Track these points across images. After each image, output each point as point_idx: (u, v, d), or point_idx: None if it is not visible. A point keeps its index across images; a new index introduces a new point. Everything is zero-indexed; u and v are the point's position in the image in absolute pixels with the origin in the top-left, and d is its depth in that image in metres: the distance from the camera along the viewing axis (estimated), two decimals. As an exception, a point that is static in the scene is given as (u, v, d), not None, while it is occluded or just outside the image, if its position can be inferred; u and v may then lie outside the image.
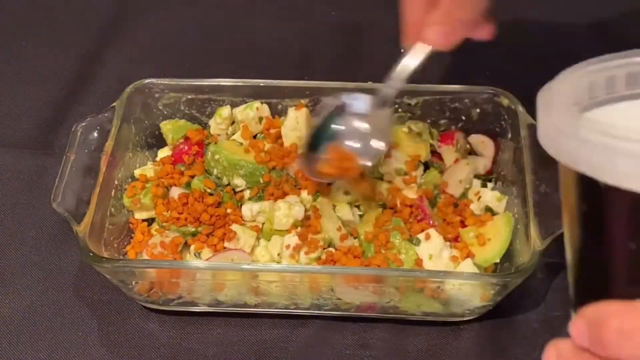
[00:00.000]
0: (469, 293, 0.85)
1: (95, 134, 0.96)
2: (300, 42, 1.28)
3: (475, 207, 0.95)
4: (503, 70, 1.21)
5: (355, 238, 0.93)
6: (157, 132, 1.05)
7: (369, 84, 1.02)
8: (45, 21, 1.31)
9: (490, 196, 0.95)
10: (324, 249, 0.90)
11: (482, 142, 1.02)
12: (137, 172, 1.00)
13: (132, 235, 0.96)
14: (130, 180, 0.99)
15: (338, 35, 1.29)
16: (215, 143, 0.98)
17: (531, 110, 0.96)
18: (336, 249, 0.90)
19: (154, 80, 1.02)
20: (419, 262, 0.88)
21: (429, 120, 1.03)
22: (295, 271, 0.85)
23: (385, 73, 1.16)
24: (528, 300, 0.93)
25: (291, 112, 1.00)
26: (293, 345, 0.91)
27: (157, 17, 1.32)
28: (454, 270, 0.88)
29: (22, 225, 1.01)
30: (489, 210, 0.94)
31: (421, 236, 0.89)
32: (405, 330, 0.91)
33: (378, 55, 1.25)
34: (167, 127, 1.04)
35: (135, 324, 0.93)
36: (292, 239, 0.90)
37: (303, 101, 1.02)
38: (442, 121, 1.03)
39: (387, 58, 1.23)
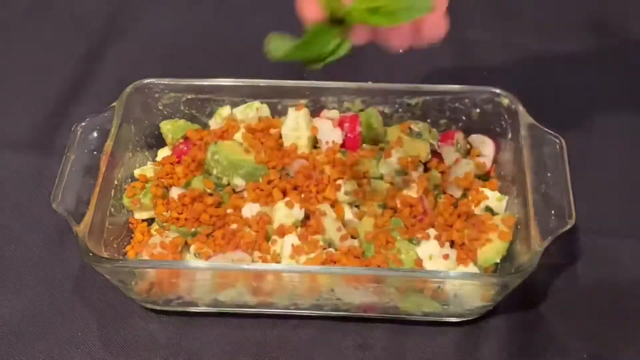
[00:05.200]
0: (469, 293, 0.85)
1: (95, 134, 0.96)
2: None
3: (475, 207, 0.95)
4: (502, 70, 1.22)
5: (355, 238, 0.92)
6: (157, 132, 1.05)
7: (369, 84, 1.02)
8: (45, 21, 1.30)
9: (491, 196, 0.95)
10: (324, 249, 0.90)
11: (482, 142, 1.02)
12: (136, 172, 1.00)
13: (132, 235, 0.96)
14: (130, 180, 0.99)
15: None
16: (215, 143, 0.98)
17: (531, 110, 0.97)
18: (336, 250, 0.90)
19: (153, 80, 1.02)
20: (418, 262, 0.88)
21: (429, 120, 1.03)
22: (295, 271, 0.85)
23: (385, 72, 1.17)
24: (528, 300, 0.93)
25: (291, 112, 1.00)
26: (293, 345, 0.91)
27: (157, 17, 1.32)
28: (454, 270, 0.88)
29: (21, 225, 1.01)
30: (489, 210, 0.94)
31: (421, 236, 0.89)
32: (405, 330, 0.91)
33: (377, 54, 1.25)
34: (167, 127, 1.03)
35: (135, 324, 0.93)
36: (292, 240, 0.89)
37: (303, 101, 1.02)
38: (442, 121, 1.03)
39: (387, 57, 1.24)
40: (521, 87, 1.11)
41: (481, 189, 0.96)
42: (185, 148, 1.01)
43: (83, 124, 0.97)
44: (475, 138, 1.02)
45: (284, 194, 0.95)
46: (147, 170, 1.00)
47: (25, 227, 1.01)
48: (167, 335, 0.92)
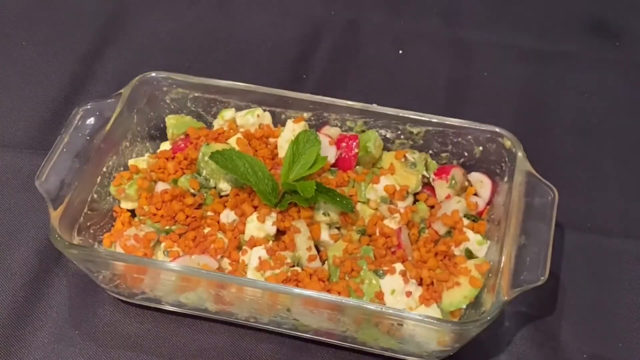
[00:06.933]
0: (424, 335, 0.82)
1: (93, 120, 0.97)
2: (299, 40, 1.27)
3: (456, 247, 0.92)
4: (502, 71, 1.22)
5: (325, 260, 0.91)
6: (163, 125, 1.05)
7: (373, 106, 1.00)
8: (45, 22, 1.31)
9: (472, 239, 0.91)
10: (292, 266, 0.89)
11: (481, 182, 0.98)
12: (130, 162, 1.00)
13: (114, 223, 0.97)
14: (122, 168, 1.00)
15: (337, 33, 1.28)
16: (207, 144, 0.98)
17: (517, 131, 0.94)
18: (302, 269, 0.89)
19: (162, 73, 1.02)
20: (379, 295, 0.85)
21: (431, 151, 1.00)
22: (247, 285, 0.83)
23: (384, 71, 1.16)
24: (492, 348, 0.90)
25: (289, 124, 0.99)
26: (252, 358, 0.90)
27: (157, 17, 1.31)
28: (413, 309, 0.85)
29: (21, 225, 1.02)
30: (468, 253, 0.91)
31: (387, 269, 0.87)
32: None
33: (376, 52, 1.24)
34: (171, 122, 1.03)
35: (102, 312, 0.94)
36: (260, 253, 0.88)
37: (305, 114, 1.01)
38: (444, 154, 1.00)
39: (386, 56, 1.24)
40: (520, 88, 1.10)
41: (465, 230, 0.92)
42: (183, 145, 1.01)
43: (85, 107, 0.97)
44: (474, 176, 0.99)
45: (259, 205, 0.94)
46: (141, 161, 1.00)
47: (24, 226, 1.02)
48: (134, 328, 0.92)
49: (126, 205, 0.98)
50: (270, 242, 0.90)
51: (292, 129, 0.98)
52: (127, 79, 1.02)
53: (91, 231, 0.94)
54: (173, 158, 1.00)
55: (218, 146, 0.97)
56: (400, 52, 1.24)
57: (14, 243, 1.00)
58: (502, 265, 0.83)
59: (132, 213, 0.97)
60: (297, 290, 0.81)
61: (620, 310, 0.94)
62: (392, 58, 1.22)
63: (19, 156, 1.09)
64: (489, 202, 0.97)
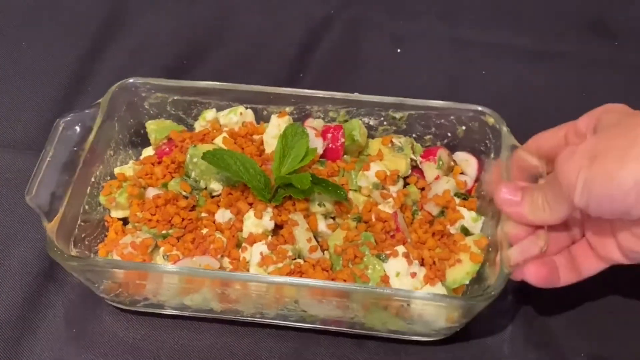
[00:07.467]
0: (433, 314, 0.84)
1: (77, 130, 0.96)
2: (298, 39, 1.28)
3: (451, 226, 0.93)
4: (500, 71, 1.22)
5: (325, 250, 0.91)
6: (142, 131, 1.04)
7: (355, 95, 1.00)
8: (45, 22, 1.30)
9: (467, 216, 0.93)
10: (294, 259, 0.89)
11: (466, 161, 1.00)
12: (116, 170, 0.99)
13: (107, 233, 0.96)
14: (109, 178, 0.99)
15: (335, 32, 1.29)
16: (194, 146, 0.98)
17: (516, 131, 0.95)
18: (305, 261, 0.89)
19: (140, 79, 1.01)
20: (385, 279, 0.86)
21: (414, 135, 1.02)
22: (258, 281, 0.84)
23: (382, 69, 1.15)
24: (497, 321, 0.92)
25: (273, 119, 0.99)
26: (255, 355, 0.90)
27: (157, 17, 1.31)
28: (419, 290, 0.86)
29: (22, 225, 1.01)
30: (464, 230, 0.92)
31: (389, 253, 0.88)
32: (371, 347, 0.90)
33: (375, 52, 1.25)
34: (152, 127, 1.03)
35: (102, 322, 0.93)
36: (261, 248, 0.89)
37: (288, 109, 1.01)
38: (428, 136, 1.02)
39: (384, 55, 1.24)
40: (519, 88, 1.10)
41: (458, 208, 0.94)
42: (168, 149, 1.01)
43: (66, 119, 0.96)
44: (459, 156, 1.01)
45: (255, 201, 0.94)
46: (127, 169, 1.00)
47: (25, 226, 1.01)
48: (132, 336, 0.92)
49: (117, 214, 0.97)
50: (269, 237, 0.91)
51: (277, 124, 0.99)
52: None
53: (86, 243, 0.93)
54: (159, 163, 0.99)
55: (205, 147, 0.97)
56: (399, 50, 1.25)
57: (14, 243, 0.99)
58: (499, 239, 0.85)
59: (124, 221, 0.97)
60: (312, 282, 0.82)
61: (620, 310, 0.95)
62: (391, 57, 1.23)
63: (19, 156, 1.09)
64: (477, 179, 0.99)
